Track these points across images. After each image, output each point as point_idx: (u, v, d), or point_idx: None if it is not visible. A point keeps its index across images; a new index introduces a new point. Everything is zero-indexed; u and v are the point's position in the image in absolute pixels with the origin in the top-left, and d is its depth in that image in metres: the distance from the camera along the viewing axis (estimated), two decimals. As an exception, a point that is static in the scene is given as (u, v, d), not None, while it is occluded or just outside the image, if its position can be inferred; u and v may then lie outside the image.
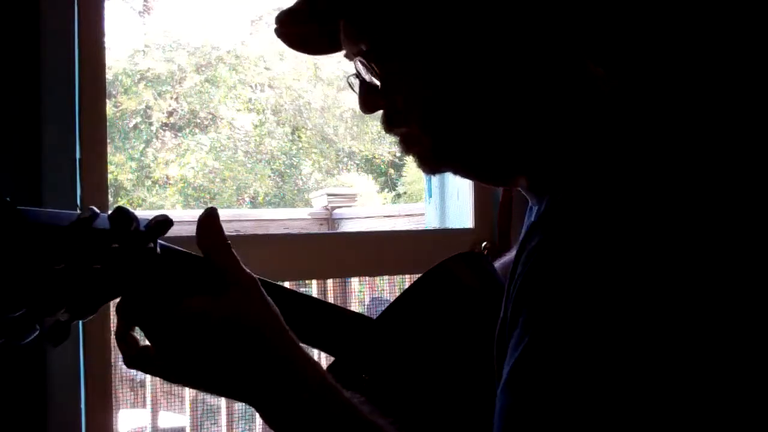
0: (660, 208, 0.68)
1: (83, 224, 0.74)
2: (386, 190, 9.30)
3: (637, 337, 0.64)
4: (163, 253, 0.81)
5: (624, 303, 0.64)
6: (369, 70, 0.80)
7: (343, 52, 0.86)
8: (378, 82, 0.81)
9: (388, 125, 0.84)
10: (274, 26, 0.88)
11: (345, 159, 9.52)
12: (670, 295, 0.65)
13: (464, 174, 0.87)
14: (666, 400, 0.64)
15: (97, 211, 0.75)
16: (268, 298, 0.78)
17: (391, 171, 9.24)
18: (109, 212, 0.77)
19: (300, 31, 0.88)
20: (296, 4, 0.87)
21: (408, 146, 0.84)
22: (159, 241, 0.81)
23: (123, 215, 0.77)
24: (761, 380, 0.67)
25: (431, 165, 0.85)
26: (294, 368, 0.75)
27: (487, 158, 0.82)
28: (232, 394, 0.78)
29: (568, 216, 0.69)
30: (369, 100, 0.83)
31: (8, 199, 0.69)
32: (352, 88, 0.86)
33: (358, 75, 0.83)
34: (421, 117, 0.81)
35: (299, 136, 9.51)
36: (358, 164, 9.48)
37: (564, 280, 0.66)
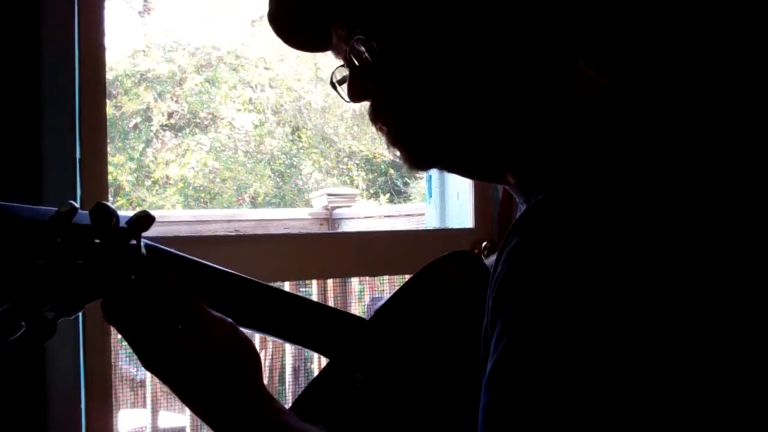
0: (640, 209, 0.68)
1: (62, 218, 0.74)
2: (386, 194, 9.31)
3: (613, 335, 0.64)
4: (149, 253, 0.81)
5: (600, 302, 0.64)
6: (369, 49, 0.79)
7: (330, 46, 0.85)
8: (372, 66, 0.80)
9: (377, 114, 0.82)
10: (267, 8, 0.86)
11: (345, 159, 9.53)
12: (643, 293, 0.65)
13: (451, 168, 0.86)
14: (642, 397, 0.64)
15: (76, 205, 0.75)
16: (239, 340, 0.84)
17: (391, 171, 9.25)
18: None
19: (290, 11, 0.86)
20: None
21: (395, 137, 0.83)
22: (146, 241, 0.82)
23: (102, 210, 0.77)
24: (744, 388, 0.67)
25: (418, 158, 0.84)
26: (251, 406, 0.82)
27: (475, 152, 0.82)
28: (189, 405, 0.84)
29: (547, 216, 0.70)
30: (360, 86, 0.82)
31: None
32: (335, 88, 0.86)
33: (349, 63, 0.82)
34: (414, 103, 0.80)
35: (299, 136, 9.51)
36: (358, 164, 9.48)
37: (541, 280, 0.66)
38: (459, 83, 0.78)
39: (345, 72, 0.85)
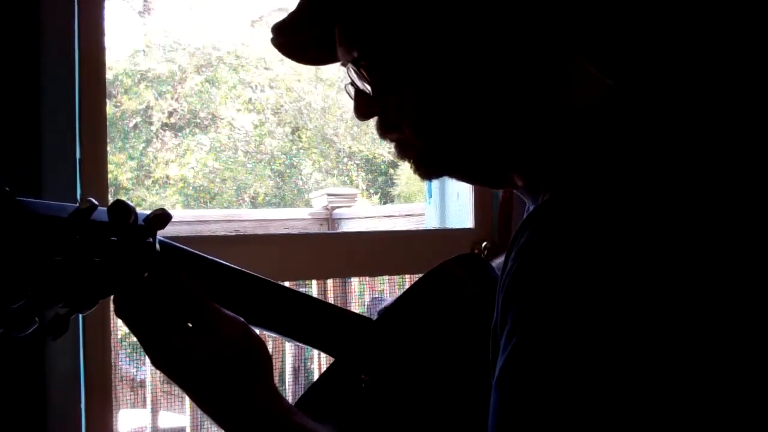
0: (649, 206, 0.68)
1: (81, 216, 0.74)
2: (379, 194, 9.32)
3: (624, 332, 0.64)
4: (163, 250, 0.81)
5: (611, 299, 0.65)
6: (361, 76, 0.81)
7: (340, 61, 0.87)
8: (370, 89, 0.82)
9: (383, 131, 0.85)
10: (271, 36, 0.88)
11: (345, 159, 9.53)
12: (654, 290, 0.65)
13: (459, 177, 0.87)
14: (652, 396, 0.64)
15: (96, 203, 0.75)
16: (251, 339, 0.84)
17: (392, 171, 9.25)
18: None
19: (296, 40, 0.88)
20: (291, 15, 0.87)
21: (403, 151, 0.85)
22: (160, 238, 0.82)
23: (121, 208, 0.77)
24: (754, 384, 0.67)
25: (426, 170, 0.85)
26: (262, 407, 0.81)
27: (481, 160, 0.83)
28: (199, 405, 0.84)
29: (556, 213, 0.70)
30: (363, 106, 0.84)
31: (7, 189, 0.69)
32: (350, 95, 0.87)
33: (352, 83, 0.84)
34: (412, 121, 0.81)
35: (299, 137, 9.51)
36: (358, 164, 9.48)
37: (552, 276, 0.66)
38: (461, 96, 0.79)
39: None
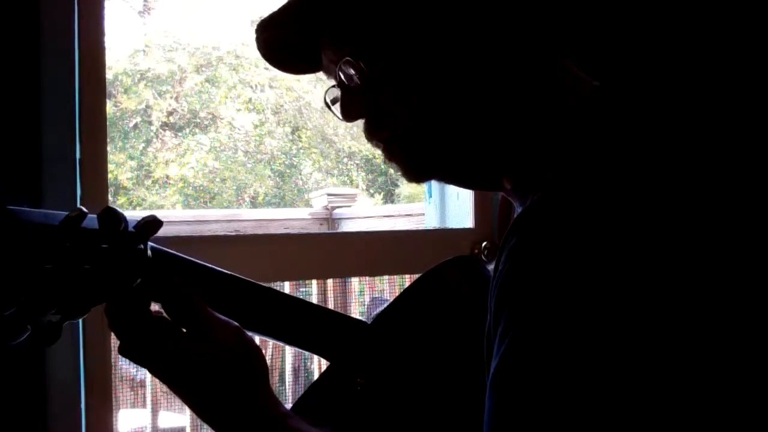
0: (637, 205, 0.68)
1: (71, 223, 0.74)
2: (381, 193, 9.31)
3: (616, 331, 0.64)
4: (155, 256, 0.81)
5: (602, 299, 0.65)
6: (357, 69, 0.81)
7: (320, 72, 0.87)
8: (361, 86, 0.81)
9: (371, 132, 0.84)
10: (255, 36, 0.88)
11: (345, 159, 9.53)
12: (643, 289, 0.65)
13: (450, 180, 0.87)
14: (645, 395, 0.64)
15: (85, 210, 0.75)
16: (246, 343, 0.84)
17: (392, 171, 9.25)
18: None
19: (281, 36, 0.88)
20: (277, 12, 0.87)
21: (390, 154, 0.84)
22: (152, 244, 0.81)
23: (111, 215, 0.77)
24: (746, 384, 0.67)
25: (416, 172, 0.85)
26: (258, 410, 0.81)
27: (475, 163, 0.82)
28: (194, 409, 0.84)
29: (545, 214, 0.70)
30: (352, 107, 0.84)
31: None
32: (329, 107, 0.86)
33: (340, 84, 0.83)
34: (409, 123, 0.81)
35: (299, 136, 9.52)
36: (358, 164, 9.49)
37: (543, 277, 0.66)
38: (449, 98, 0.79)
39: (337, 92, 0.85)
